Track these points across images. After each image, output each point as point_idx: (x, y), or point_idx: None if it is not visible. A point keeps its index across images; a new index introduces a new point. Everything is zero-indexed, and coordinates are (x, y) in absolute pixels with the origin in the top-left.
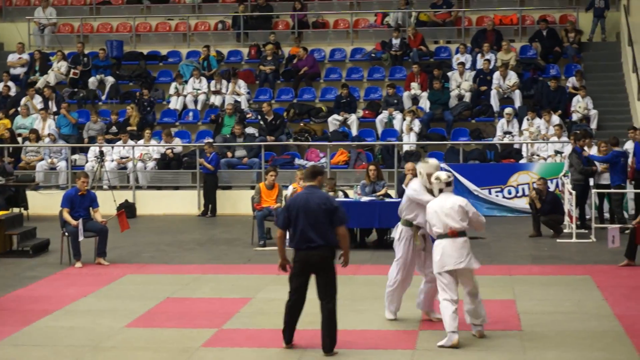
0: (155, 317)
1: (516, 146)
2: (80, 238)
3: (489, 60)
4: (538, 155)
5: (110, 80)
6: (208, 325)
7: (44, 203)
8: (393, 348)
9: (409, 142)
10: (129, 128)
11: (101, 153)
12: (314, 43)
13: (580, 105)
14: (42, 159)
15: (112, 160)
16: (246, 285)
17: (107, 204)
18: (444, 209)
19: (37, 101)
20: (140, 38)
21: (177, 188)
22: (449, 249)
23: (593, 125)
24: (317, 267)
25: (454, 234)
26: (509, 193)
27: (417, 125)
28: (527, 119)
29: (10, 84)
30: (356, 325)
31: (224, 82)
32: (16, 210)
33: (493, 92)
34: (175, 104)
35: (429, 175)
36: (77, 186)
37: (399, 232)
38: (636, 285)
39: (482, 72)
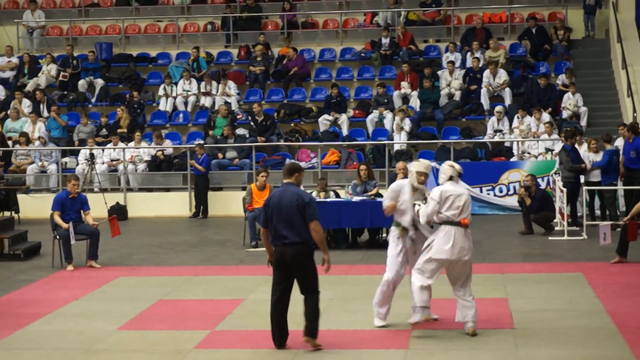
0: (147, 320)
1: (507, 144)
2: (72, 241)
3: (478, 59)
4: (529, 153)
5: (99, 82)
6: (200, 327)
7: (35, 206)
8: (386, 348)
9: (400, 141)
10: (119, 130)
11: (92, 156)
12: (304, 43)
13: (570, 102)
14: (32, 162)
15: (103, 163)
16: (238, 286)
17: (98, 207)
18: (463, 197)
19: (25, 105)
20: (129, 40)
21: (168, 190)
22: (460, 238)
23: (583, 122)
24: (293, 263)
25: (467, 222)
26: (500, 191)
27: (407, 124)
28: (518, 117)
29: None
30: (349, 325)
31: (214, 83)
32: (7, 213)
33: (483, 91)
34: (165, 105)
35: (419, 174)
36: (68, 189)
37: (392, 234)
38: (628, 282)
39: (471, 71)
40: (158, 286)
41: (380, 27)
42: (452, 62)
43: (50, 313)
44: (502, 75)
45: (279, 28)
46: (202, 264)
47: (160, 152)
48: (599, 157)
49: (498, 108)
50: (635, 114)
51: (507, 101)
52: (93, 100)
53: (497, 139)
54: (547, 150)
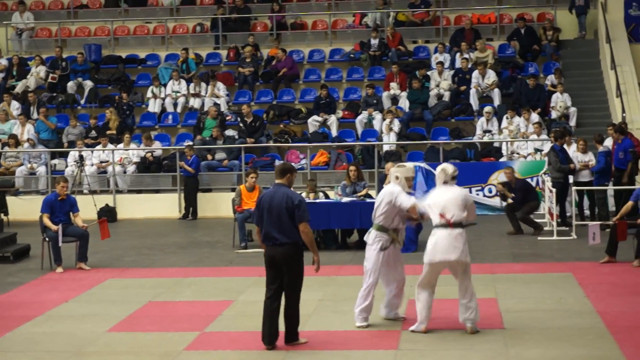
0: (137, 321)
1: (496, 145)
2: (61, 243)
3: (467, 59)
4: (518, 154)
5: (88, 84)
6: (190, 328)
7: (24, 208)
8: (375, 348)
9: (389, 142)
10: (108, 132)
11: (81, 157)
12: (293, 44)
13: (560, 102)
14: (21, 164)
15: (92, 165)
16: (228, 287)
17: (87, 209)
18: (444, 199)
19: (14, 107)
20: (118, 41)
21: (157, 191)
22: (444, 239)
23: (572, 122)
24: (282, 263)
25: (451, 225)
26: (490, 192)
27: (396, 125)
28: (507, 118)
29: None
30: (338, 325)
31: (203, 84)
32: None
33: (472, 91)
34: (153, 107)
35: (407, 179)
36: (57, 191)
37: (372, 237)
38: (617, 282)
39: (460, 71)
40: (148, 288)
41: (370, 28)
42: (441, 63)
43: (39, 315)
44: (491, 76)
45: (268, 29)
46: (192, 265)
47: (149, 154)
48: (587, 157)
49: (487, 108)
50: (624, 114)
51: (496, 102)
52: (82, 102)
53: (486, 139)
54: (536, 150)
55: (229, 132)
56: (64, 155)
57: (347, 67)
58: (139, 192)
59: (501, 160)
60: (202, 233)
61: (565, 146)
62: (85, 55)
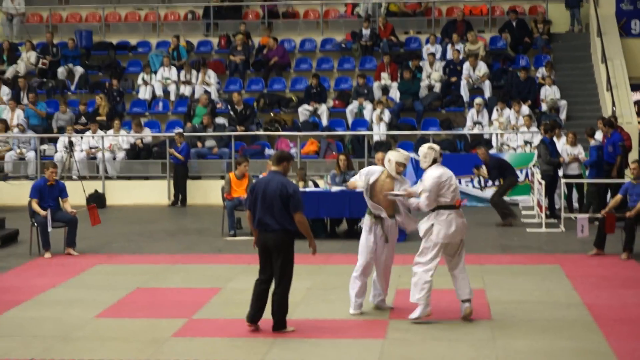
0: (125, 308)
1: (486, 136)
2: (49, 228)
3: (458, 51)
4: (508, 146)
5: (79, 70)
6: (178, 315)
7: (12, 193)
8: (363, 337)
9: (379, 132)
10: (98, 118)
11: (70, 143)
12: (284, 33)
13: (549, 94)
14: (10, 150)
15: (82, 151)
16: (216, 275)
17: (76, 194)
18: (454, 179)
19: (4, 92)
20: (109, 28)
21: (147, 178)
22: (459, 220)
23: (562, 115)
24: (273, 249)
25: (459, 204)
26: (479, 183)
27: (387, 115)
28: (497, 110)
29: None
30: (327, 314)
31: (194, 72)
32: None
33: (463, 83)
34: (144, 94)
35: (398, 164)
36: (46, 176)
37: (367, 223)
38: (605, 275)
39: (452, 63)
40: (136, 274)
41: (361, 18)
42: (432, 54)
43: (27, 300)
44: (482, 68)
45: (260, 18)
46: (181, 252)
47: (139, 141)
48: (576, 150)
49: (477, 100)
50: (614, 108)
51: (487, 93)
52: (72, 87)
53: (476, 130)
54: (526, 142)
55: (219, 120)
56: (54, 140)
57: (338, 56)
58: (129, 178)
59: (491, 152)
60: (191, 220)
61: (554, 139)
62: (76, 41)
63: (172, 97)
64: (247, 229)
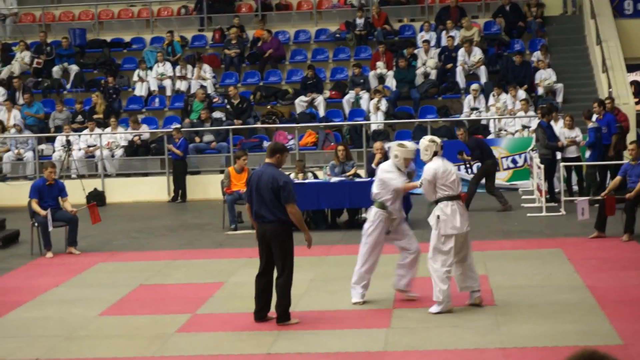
0: (128, 305)
1: (483, 122)
2: (50, 228)
3: (452, 37)
4: (505, 131)
5: (74, 68)
6: (181, 310)
7: (12, 194)
8: (367, 327)
9: (377, 121)
10: (95, 116)
11: (68, 142)
12: (278, 25)
13: (545, 78)
14: (8, 150)
15: (80, 149)
16: (218, 269)
17: (76, 193)
18: (454, 172)
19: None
20: (103, 25)
21: (146, 175)
22: (462, 211)
23: (559, 98)
24: (270, 240)
25: (462, 196)
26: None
27: (384, 104)
28: (494, 95)
29: None
30: (329, 305)
31: (189, 67)
32: None
33: (458, 69)
34: (140, 90)
35: (406, 160)
36: (45, 176)
37: (372, 214)
38: (606, 257)
39: (447, 49)
40: (138, 271)
41: (355, 7)
42: (427, 42)
43: (30, 300)
44: (477, 54)
45: (253, 10)
46: (182, 247)
47: (137, 137)
48: (574, 133)
49: (474, 86)
50: (610, 90)
51: (483, 79)
52: (68, 86)
53: (473, 117)
54: (524, 127)
55: (216, 114)
56: (51, 140)
57: (333, 47)
58: (128, 175)
59: (489, 137)
60: (191, 215)
61: (552, 122)
62: (70, 39)
63: (169, 93)
64: (248, 222)
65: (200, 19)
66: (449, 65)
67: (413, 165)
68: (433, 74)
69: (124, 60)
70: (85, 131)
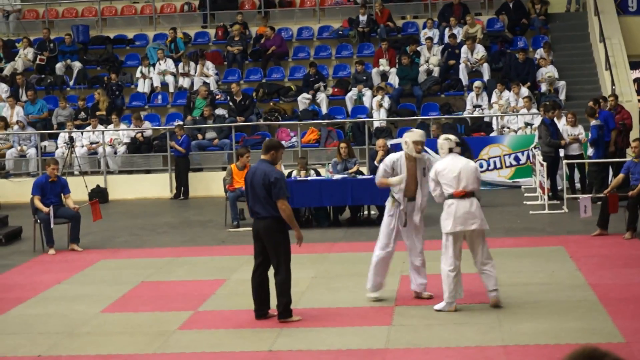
0: (130, 302)
1: (486, 119)
2: (52, 225)
3: (455, 35)
4: (508, 128)
5: (77, 65)
6: (184, 307)
7: (14, 191)
8: (369, 325)
9: (379, 118)
10: (98, 113)
11: (71, 139)
12: (281, 22)
13: (549, 73)
14: (11, 147)
15: (82, 146)
16: (221, 266)
17: (78, 190)
18: (457, 168)
19: (3, 89)
20: (106, 22)
21: (148, 172)
22: (463, 209)
23: (562, 96)
24: (264, 236)
25: (468, 194)
26: (481, 166)
27: (386, 101)
28: (496, 92)
29: None
30: (331, 303)
31: (192, 64)
32: None
33: (461, 66)
34: (143, 87)
35: (415, 143)
36: (47, 173)
37: (388, 207)
38: (609, 255)
39: (450, 47)
40: (140, 268)
41: (358, 4)
42: (430, 39)
43: (32, 297)
44: (480, 51)
45: (256, 7)
46: (184, 245)
47: (139, 134)
48: (577, 130)
49: (477, 83)
50: (613, 87)
51: (486, 76)
52: (71, 83)
53: (476, 114)
54: (526, 124)
55: (219, 111)
56: (54, 137)
57: (336, 44)
58: (130, 172)
59: (491, 135)
60: (193, 212)
61: (555, 120)
62: (73, 36)
63: (171, 90)
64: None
65: (203, 15)
66: (452, 62)
67: (427, 155)
68: (436, 71)
69: (127, 57)
70: (88, 128)
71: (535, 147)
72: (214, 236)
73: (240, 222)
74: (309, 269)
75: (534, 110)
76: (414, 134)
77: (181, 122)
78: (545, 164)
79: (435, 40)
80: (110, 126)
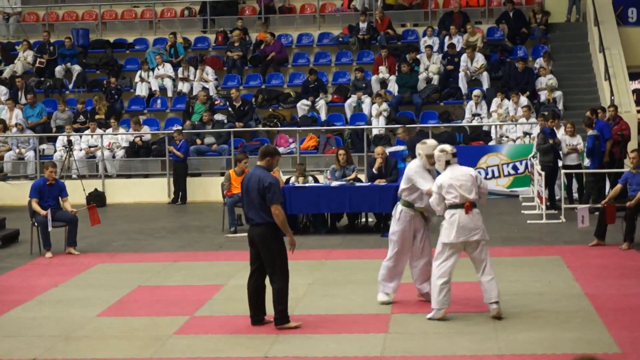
0: (127, 306)
1: (485, 128)
2: (50, 228)
3: (454, 44)
4: (507, 137)
5: (77, 68)
6: (180, 312)
7: (12, 194)
8: (365, 332)
9: (378, 126)
10: (96, 117)
11: (69, 142)
12: (281, 28)
13: (550, 81)
14: (9, 149)
15: (81, 150)
16: (218, 272)
17: (76, 193)
18: (457, 179)
19: (2, 92)
20: (106, 26)
21: (146, 176)
22: (464, 219)
23: (560, 105)
24: (258, 243)
25: (469, 205)
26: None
27: (385, 109)
28: (496, 101)
29: None
30: (328, 310)
31: (192, 69)
32: None
33: (461, 75)
34: (142, 91)
35: (428, 157)
36: (45, 176)
37: (398, 212)
38: (606, 265)
39: (449, 55)
40: (137, 272)
41: (358, 11)
42: (430, 47)
43: (29, 300)
44: (480, 59)
45: (257, 13)
46: (182, 249)
47: (138, 139)
48: (575, 140)
49: (476, 92)
50: (612, 97)
51: (485, 85)
52: (70, 86)
53: (475, 123)
54: (525, 133)
55: (218, 117)
56: (53, 140)
57: (335, 51)
58: (128, 176)
59: (490, 143)
60: (191, 217)
61: (554, 129)
62: (73, 39)
63: (170, 94)
64: (247, 225)
65: (204, 20)
66: (450, 67)
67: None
68: (435, 79)
69: (127, 61)
70: (87, 131)
71: (533, 157)
72: (211, 241)
73: (238, 228)
74: (306, 275)
75: (533, 119)
76: (427, 148)
77: (180, 127)
78: (543, 173)
79: (435, 48)
80: (109, 130)
